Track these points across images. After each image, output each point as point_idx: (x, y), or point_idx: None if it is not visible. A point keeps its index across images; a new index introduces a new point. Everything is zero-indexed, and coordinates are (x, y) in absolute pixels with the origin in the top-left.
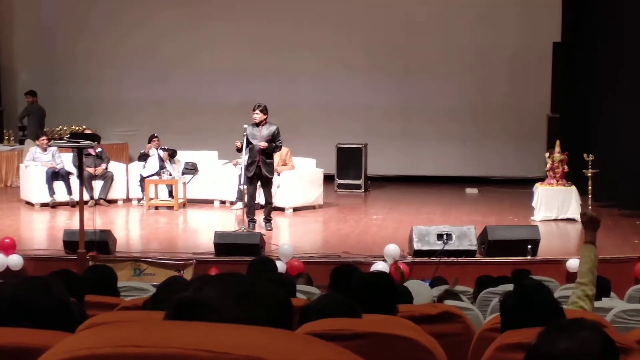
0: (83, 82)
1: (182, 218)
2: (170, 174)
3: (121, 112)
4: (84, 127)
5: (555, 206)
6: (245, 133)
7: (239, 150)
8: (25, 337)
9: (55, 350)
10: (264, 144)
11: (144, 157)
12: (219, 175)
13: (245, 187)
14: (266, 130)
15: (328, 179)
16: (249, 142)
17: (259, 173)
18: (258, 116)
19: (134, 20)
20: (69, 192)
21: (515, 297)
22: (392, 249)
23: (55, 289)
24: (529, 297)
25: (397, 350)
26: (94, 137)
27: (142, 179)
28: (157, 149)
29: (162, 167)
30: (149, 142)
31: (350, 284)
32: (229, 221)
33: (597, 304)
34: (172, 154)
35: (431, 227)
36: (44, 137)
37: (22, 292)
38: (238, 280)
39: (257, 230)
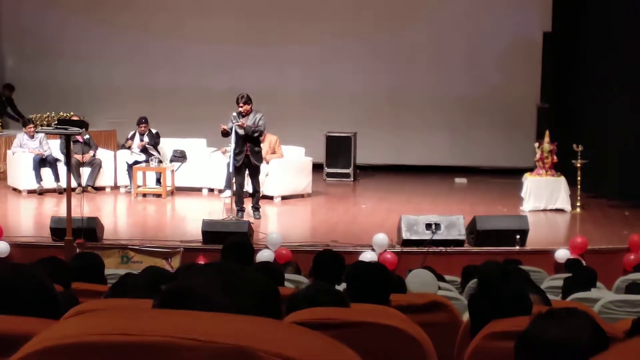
0: (71, 68)
1: (170, 206)
2: (160, 161)
3: (110, 99)
4: (71, 113)
5: (544, 196)
6: (232, 121)
7: (224, 134)
8: (9, 324)
9: (41, 338)
10: (243, 123)
11: (127, 147)
12: (207, 163)
13: (234, 176)
14: (251, 120)
15: (317, 167)
16: (236, 132)
17: (248, 162)
18: (243, 108)
19: (123, 7)
20: (57, 179)
21: (480, 287)
22: (381, 238)
23: (39, 275)
24: (493, 288)
25: (384, 339)
26: (82, 124)
27: (130, 166)
28: (142, 134)
29: (147, 154)
30: (138, 125)
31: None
32: (217, 209)
33: (584, 294)
34: (153, 144)
35: (420, 217)
36: (31, 124)
37: (5, 278)
38: (225, 269)
39: (245, 218)
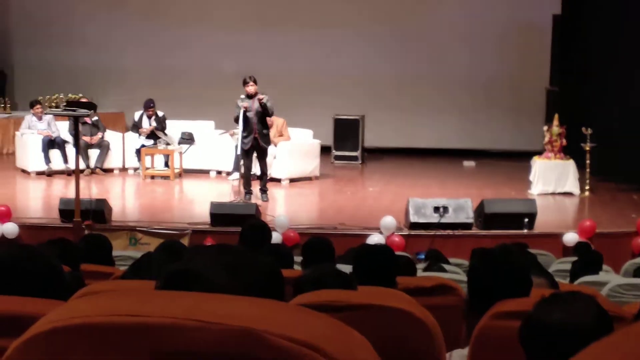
0: (80, 50)
1: (178, 188)
2: (167, 144)
3: (118, 80)
4: (80, 95)
5: (552, 180)
6: (239, 105)
7: (236, 117)
8: (17, 305)
9: (49, 319)
10: (261, 97)
11: (135, 128)
12: (215, 145)
13: (242, 158)
14: (258, 102)
15: (325, 150)
16: (245, 115)
17: (256, 145)
18: (253, 88)
19: None
20: (65, 160)
21: (481, 266)
22: (389, 221)
23: (48, 256)
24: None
25: (391, 322)
26: (91, 106)
27: (138, 150)
28: (149, 118)
29: (155, 137)
30: (145, 108)
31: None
32: (225, 192)
33: (592, 278)
34: (159, 128)
35: (428, 200)
36: (39, 106)
37: (13, 259)
38: (229, 251)
39: (253, 201)
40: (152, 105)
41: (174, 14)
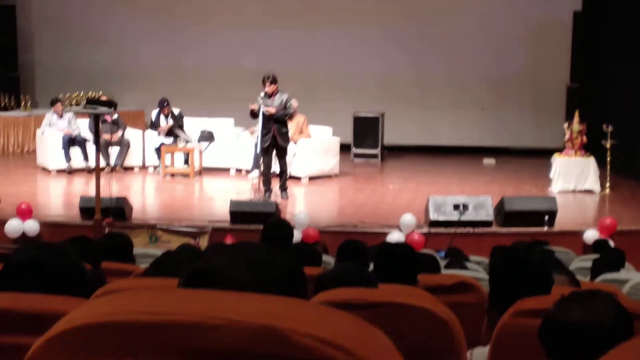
0: (99, 48)
1: (198, 186)
2: (187, 142)
3: (137, 78)
4: (100, 93)
5: (573, 177)
6: (259, 102)
7: (253, 114)
8: (41, 303)
9: (71, 317)
10: (272, 109)
11: (153, 126)
12: (235, 143)
13: (261, 157)
14: (278, 100)
15: (344, 148)
16: (263, 114)
17: (275, 143)
18: (269, 88)
19: None
20: (86, 158)
21: (503, 264)
22: (408, 219)
23: (71, 255)
24: (515, 259)
25: (412, 320)
26: (111, 104)
27: (158, 148)
28: (167, 116)
29: (174, 135)
30: (160, 107)
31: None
32: (245, 189)
33: (613, 275)
34: (177, 125)
35: (448, 198)
36: (59, 104)
37: (37, 257)
38: (251, 249)
39: (273, 199)
40: (166, 104)
41: (191, 10)
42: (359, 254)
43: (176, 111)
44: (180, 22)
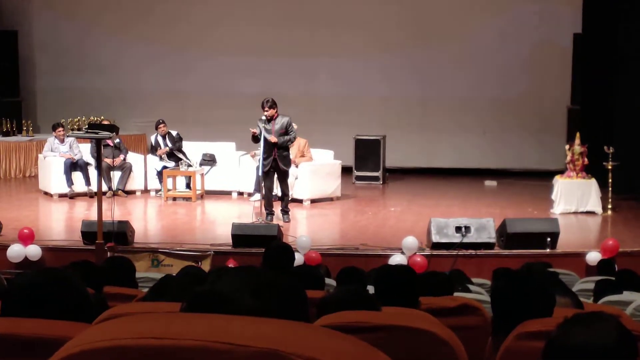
0: (101, 72)
1: (199, 209)
2: (189, 165)
3: (139, 102)
4: (102, 117)
5: (575, 199)
6: (259, 126)
7: (255, 138)
8: (44, 328)
9: (75, 342)
10: (274, 139)
11: (154, 150)
12: (236, 166)
13: (262, 180)
14: (279, 124)
15: (346, 170)
16: (264, 138)
17: (276, 166)
18: (268, 112)
19: (150, 9)
20: (87, 182)
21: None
22: (410, 242)
23: (73, 279)
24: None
25: (415, 343)
26: (112, 128)
27: (160, 172)
28: (163, 136)
29: (175, 158)
30: (156, 128)
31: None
32: (247, 213)
33: (616, 297)
34: (175, 148)
35: (450, 220)
36: (61, 128)
37: (41, 282)
38: (253, 273)
39: (275, 222)
40: (162, 122)
41: (194, 37)
42: (357, 279)
43: (174, 132)
44: (182, 46)
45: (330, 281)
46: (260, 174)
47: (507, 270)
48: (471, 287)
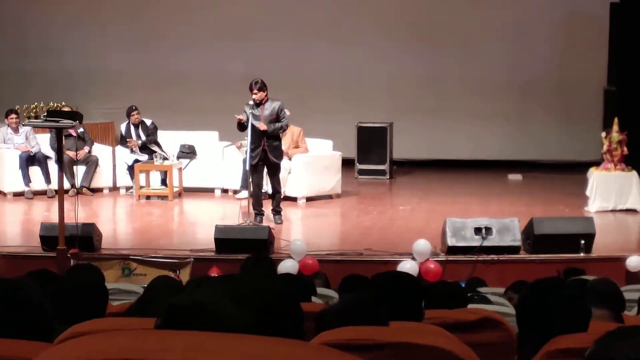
0: (61, 52)
1: (177, 209)
2: (165, 158)
3: (106, 86)
4: (62, 104)
5: (612, 195)
6: (247, 112)
7: (241, 126)
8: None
9: None
10: (263, 126)
11: (124, 141)
12: (220, 159)
13: (250, 175)
14: (269, 109)
15: (347, 163)
16: (252, 125)
17: (265, 159)
18: (257, 95)
19: None
20: (47, 179)
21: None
22: (422, 246)
23: (30, 292)
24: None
25: None
26: (75, 116)
27: (131, 166)
28: (135, 125)
29: (149, 150)
30: (128, 115)
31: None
32: (233, 213)
33: None
34: (150, 140)
35: (467, 220)
36: (14, 115)
37: None
38: (236, 280)
39: (264, 223)
40: (134, 108)
41: (169, 6)
42: (363, 289)
43: (148, 121)
44: (154, 20)
45: (329, 292)
46: (247, 168)
47: (532, 282)
48: (493, 298)
